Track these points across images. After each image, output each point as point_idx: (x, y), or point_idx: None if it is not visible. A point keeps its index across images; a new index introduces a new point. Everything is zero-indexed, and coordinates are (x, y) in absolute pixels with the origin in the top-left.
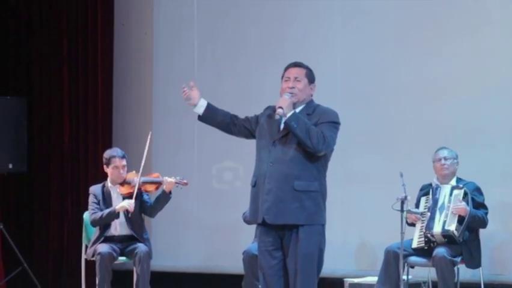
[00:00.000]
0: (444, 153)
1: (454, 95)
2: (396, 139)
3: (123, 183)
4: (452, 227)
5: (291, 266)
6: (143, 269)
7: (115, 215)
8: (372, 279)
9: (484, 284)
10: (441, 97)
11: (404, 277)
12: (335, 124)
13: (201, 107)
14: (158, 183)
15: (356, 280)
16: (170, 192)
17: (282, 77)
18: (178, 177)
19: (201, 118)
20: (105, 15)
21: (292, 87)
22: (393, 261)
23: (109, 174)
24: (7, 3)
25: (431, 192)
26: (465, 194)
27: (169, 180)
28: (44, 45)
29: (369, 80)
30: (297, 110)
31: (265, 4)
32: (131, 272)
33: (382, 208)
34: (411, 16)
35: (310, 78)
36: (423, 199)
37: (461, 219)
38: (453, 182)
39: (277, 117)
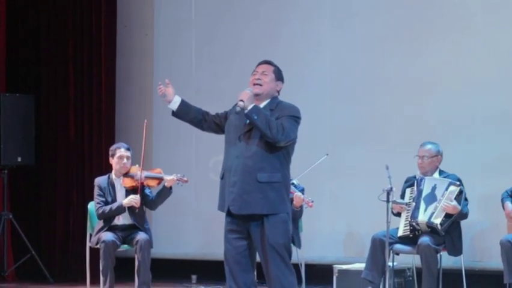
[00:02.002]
0: (424, 151)
1: (437, 93)
2: (382, 134)
3: (127, 176)
4: (437, 220)
5: (261, 256)
6: (144, 256)
7: (122, 209)
8: (360, 266)
9: (465, 270)
10: (425, 95)
11: (390, 264)
12: (295, 118)
13: (175, 103)
14: (160, 179)
15: (344, 267)
16: (171, 188)
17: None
18: (179, 175)
19: (175, 114)
20: (108, 17)
21: (258, 79)
22: (379, 248)
23: (113, 165)
24: (16, 6)
25: (415, 184)
26: (460, 192)
27: (170, 178)
28: (50, 46)
29: (357, 79)
30: (262, 105)
31: (259, 7)
32: (133, 259)
33: (369, 199)
34: (398, 18)
35: (278, 75)
36: (408, 190)
37: (448, 214)
38: (436, 175)
39: (237, 109)
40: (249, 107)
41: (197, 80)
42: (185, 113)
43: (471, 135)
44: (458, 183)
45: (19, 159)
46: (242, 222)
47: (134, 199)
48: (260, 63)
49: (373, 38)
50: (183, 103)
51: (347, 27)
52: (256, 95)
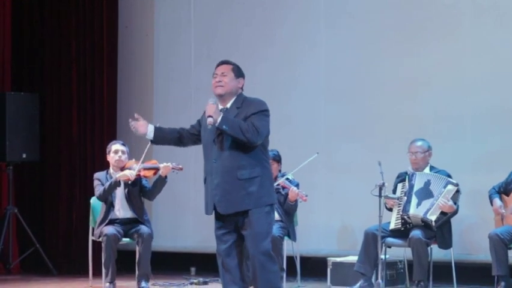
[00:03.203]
0: (416, 147)
1: (427, 91)
2: (375, 131)
3: (123, 169)
4: (433, 217)
5: (247, 247)
6: (145, 249)
7: (117, 183)
8: (353, 259)
9: (455, 263)
10: (416, 93)
11: (382, 256)
12: (263, 112)
13: (150, 133)
14: (156, 169)
15: (338, 259)
16: (166, 177)
17: (213, 75)
18: (174, 163)
19: (154, 142)
20: (110, 19)
21: (219, 81)
22: (372, 242)
23: (110, 160)
24: (22, 8)
25: (407, 179)
26: (457, 191)
27: (165, 166)
28: (54, 46)
29: (350, 77)
30: (228, 104)
31: (256, 8)
32: (134, 252)
33: (362, 194)
34: (390, 19)
35: (237, 73)
36: (399, 185)
37: (443, 212)
38: (427, 170)
39: (209, 127)
40: (218, 120)
41: (196, 79)
42: (162, 138)
43: (461, 133)
44: (455, 182)
45: (24, 155)
46: (229, 219)
47: (128, 172)
48: (218, 65)
49: (366, 38)
50: (157, 129)
51: (340, 28)
52: (220, 96)
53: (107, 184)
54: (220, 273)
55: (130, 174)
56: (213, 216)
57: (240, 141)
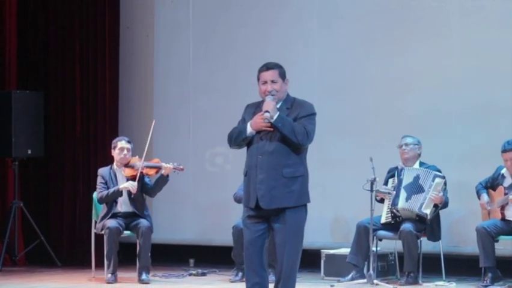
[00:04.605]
0: (406, 140)
1: (417, 89)
2: (366, 128)
3: (127, 166)
4: (427, 210)
5: (279, 240)
6: (145, 242)
7: (118, 193)
8: (346, 251)
9: (443, 255)
10: (406, 91)
11: (374, 249)
12: (313, 116)
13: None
14: (158, 168)
15: (331, 251)
16: (167, 176)
17: (258, 79)
18: (176, 164)
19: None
20: (112, 19)
21: (271, 90)
22: (364, 234)
23: (115, 156)
24: (27, 9)
25: (396, 174)
26: (445, 184)
27: (167, 166)
28: (58, 46)
29: (343, 76)
30: (278, 105)
31: (252, 10)
32: (135, 245)
33: (354, 188)
34: (381, 20)
35: (283, 76)
36: (390, 180)
37: (435, 204)
38: (416, 165)
39: (265, 121)
40: (274, 117)
41: (194, 77)
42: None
43: (448, 129)
44: (442, 175)
45: (29, 151)
46: (265, 212)
47: (130, 184)
48: (264, 70)
49: (358, 38)
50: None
51: (333, 29)
52: None
53: (110, 191)
54: (245, 263)
55: (131, 187)
56: (210, 210)
57: (289, 141)
